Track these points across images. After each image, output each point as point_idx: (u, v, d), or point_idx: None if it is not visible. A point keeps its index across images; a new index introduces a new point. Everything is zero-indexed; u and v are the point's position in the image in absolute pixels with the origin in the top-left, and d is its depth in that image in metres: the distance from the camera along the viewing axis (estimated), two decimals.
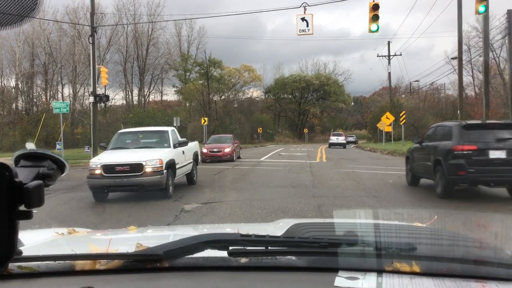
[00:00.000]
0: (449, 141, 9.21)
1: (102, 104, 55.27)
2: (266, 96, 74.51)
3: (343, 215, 2.99)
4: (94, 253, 1.37)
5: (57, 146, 23.52)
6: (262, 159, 24.76)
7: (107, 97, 24.35)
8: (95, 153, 23.86)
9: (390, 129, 35.63)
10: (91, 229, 2.39)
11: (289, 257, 1.24)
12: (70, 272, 1.22)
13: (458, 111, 23.43)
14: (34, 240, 1.72)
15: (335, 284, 1.10)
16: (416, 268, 1.16)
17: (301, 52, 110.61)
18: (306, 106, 74.04)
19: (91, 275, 1.20)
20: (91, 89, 22.74)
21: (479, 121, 12.12)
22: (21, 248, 1.21)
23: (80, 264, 1.22)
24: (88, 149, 24.01)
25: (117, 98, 60.68)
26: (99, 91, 23.42)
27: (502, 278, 1.13)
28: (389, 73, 46.93)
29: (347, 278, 1.14)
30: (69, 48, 51.58)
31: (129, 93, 61.57)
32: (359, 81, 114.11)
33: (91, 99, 22.88)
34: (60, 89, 55.40)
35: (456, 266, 1.17)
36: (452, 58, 44.11)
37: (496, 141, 8.74)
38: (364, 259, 1.20)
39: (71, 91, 52.98)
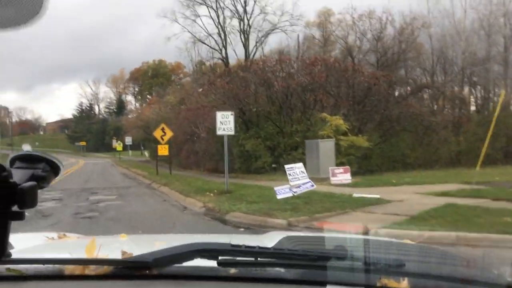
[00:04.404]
0: None
1: None
2: None
3: (333, 230, 3.34)
4: (83, 258, 1.35)
5: None
6: None
7: None
8: None
9: None
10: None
11: (278, 269, 1.24)
12: (59, 277, 1.21)
13: None
14: (24, 243, 1.67)
15: None
16: (404, 285, 1.16)
17: None
18: None
19: (79, 280, 1.21)
20: None
21: None
22: (10, 250, 1.10)
23: (69, 269, 1.22)
24: None
25: None
26: None
27: None
28: None
29: None
30: None
31: None
32: None
33: None
34: None
35: (443, 284, 1.19)
36: None
37: None
38: (352, 273, 1.20)
39: None
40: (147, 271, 1.19)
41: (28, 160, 0.98)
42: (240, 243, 1.25)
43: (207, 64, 39.99)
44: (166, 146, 22.84)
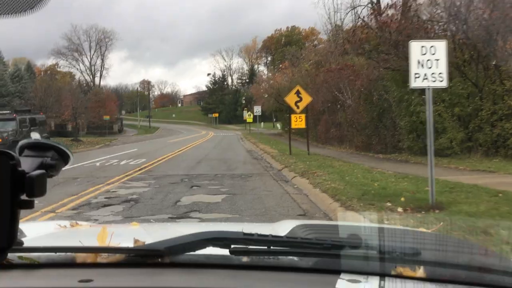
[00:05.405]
0: None
1: None
2: None
3: (347, 218, 2.72)
4: (95, 246, 1.35)
5: None
6: None
7: None
8: None
9: None
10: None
11: (291, 257, 1.23)
12: (71, 264, 1.23)
13: None
14: (36, 232, 1.74)
15: (336, 286, 1.11)
16: (420, 273, 1.15)
17: None
18: None
19: (91, 268, 1.21)
20: None
21: None
22: (22, 239, 1.19)
23: (81, 257, 1.23)
24: None
25: None
26: None
27: (507, 287, 1.13)
28: None
29: (349, 280, 1.14)
30: None
31: None
32: None
33: None
34: None
35: (460, 272, 1.16)
36: None
37: None
38: (367, 262, 1.18)
39: None
40: (159, 259, 1.18)
41: (37, 148, 0.98)
42: (253, 232, 1.24)
43: (352, 13, 32.58)
44: (303, 116, 16.79)
